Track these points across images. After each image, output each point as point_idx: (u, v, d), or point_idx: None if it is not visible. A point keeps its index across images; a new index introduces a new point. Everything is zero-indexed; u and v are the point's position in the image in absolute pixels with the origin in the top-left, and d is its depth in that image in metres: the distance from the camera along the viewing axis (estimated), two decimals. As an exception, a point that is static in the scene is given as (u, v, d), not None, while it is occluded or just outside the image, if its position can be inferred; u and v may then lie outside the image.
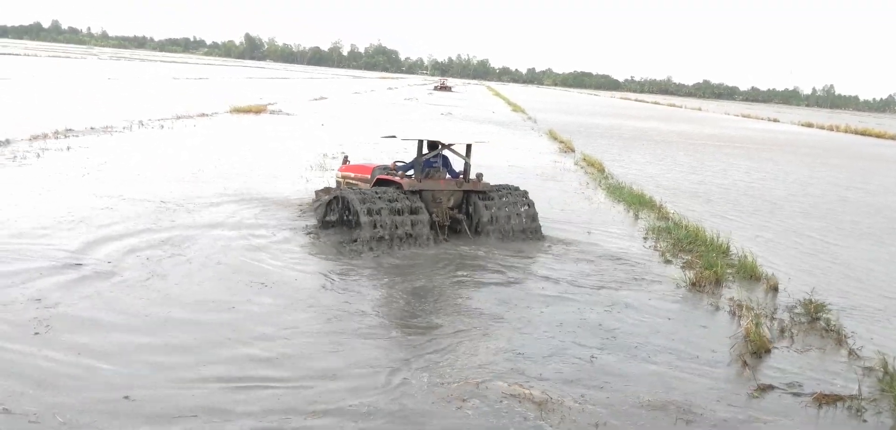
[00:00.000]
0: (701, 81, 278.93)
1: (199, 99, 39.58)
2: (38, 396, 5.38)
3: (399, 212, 10.50)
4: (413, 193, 10.95)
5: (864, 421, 6.17)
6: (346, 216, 11.07)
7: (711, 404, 6.20)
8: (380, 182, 11.55)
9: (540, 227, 11.82)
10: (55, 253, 8.76)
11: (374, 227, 10.18)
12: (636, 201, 15.80)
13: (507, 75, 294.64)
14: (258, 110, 34.57)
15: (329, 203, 11.26)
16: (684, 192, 19.06)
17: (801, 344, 7.84)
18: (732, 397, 6.40)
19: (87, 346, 6.30)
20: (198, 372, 6.00)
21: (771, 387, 6.64)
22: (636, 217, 14.51)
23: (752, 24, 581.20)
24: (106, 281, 7.96)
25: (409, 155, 13.96)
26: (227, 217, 11.42)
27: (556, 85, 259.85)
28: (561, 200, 15.96)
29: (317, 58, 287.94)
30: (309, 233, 10.86)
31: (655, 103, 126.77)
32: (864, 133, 68.23)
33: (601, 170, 21.55)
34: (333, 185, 13.28)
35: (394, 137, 12.03)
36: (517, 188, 12.22)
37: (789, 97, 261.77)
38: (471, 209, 11.59)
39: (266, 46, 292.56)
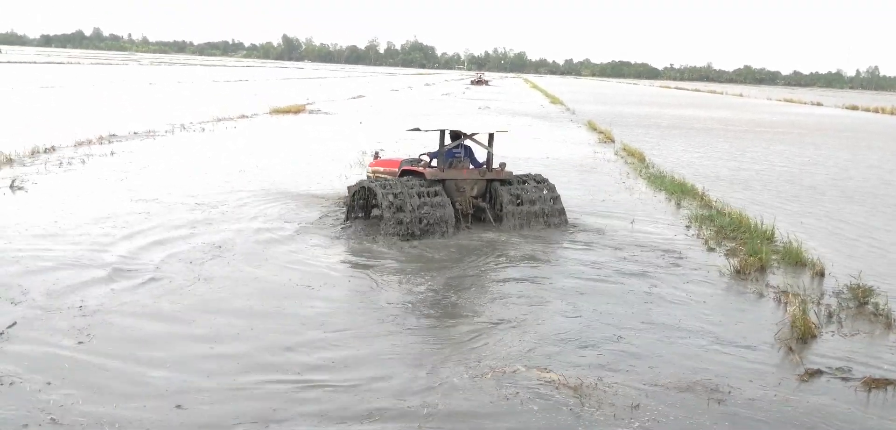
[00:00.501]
0: (742, 67, 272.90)
1: (239, 101, 40.14)
2: (87, 407, 5.29)
3: (420, 197, 10.79)
4: (436, 182, 11.19)
5: (916, 405, 6.05)
6: (372, 202, 11.41)
7: (758, 389, 6.15)
8: (405, 173, 11.75)
9: (563, 210, 11.95)
10: (101, 257, 8.90)
11: (396, 211, 10.49)
12: (678, 190, 15.66)
13: (544, 67, 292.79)
14: (297, 111, 34.99)
15: (354, 194, 11.48)
16: (723, 179, 18.79)
17: (848, 329, 7.72)
18: (781, 382, 6.34)
19: (134, 354, 6.24)
20: (249, 378, 5.93)
21: (819, 372, 6.56)
22: (678, 206, 14.38)
23: (794, 6, 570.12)
24: (151, 286, 7.98)
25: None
26: (268, 217, 11.59)
27: (593, 75, 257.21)
28: (602, 190, 15.90)
29: (354, 56, 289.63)
30: (343, 228, 11.04)
31: (696, 91, 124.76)
32: (910, 114, 66.46)
33: (642, 159, 21.36)
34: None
35: (418, 129, 12.15)
36: (540, 175, 12.36)
37: (832, 80, 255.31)
38: (495, 197, 11.73)
39: (303, 47, 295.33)
